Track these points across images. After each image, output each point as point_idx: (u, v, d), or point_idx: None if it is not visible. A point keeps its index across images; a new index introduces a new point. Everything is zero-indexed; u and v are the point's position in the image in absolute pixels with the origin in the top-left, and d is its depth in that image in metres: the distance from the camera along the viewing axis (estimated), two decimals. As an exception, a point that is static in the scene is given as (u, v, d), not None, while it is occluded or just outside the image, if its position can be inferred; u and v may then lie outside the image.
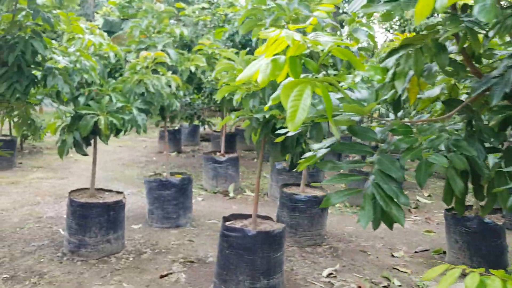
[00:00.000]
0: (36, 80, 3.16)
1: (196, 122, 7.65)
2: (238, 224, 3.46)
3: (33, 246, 4.07)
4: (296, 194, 4.29)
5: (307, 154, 2.07)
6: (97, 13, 14.34)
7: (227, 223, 3.42)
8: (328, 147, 2.04)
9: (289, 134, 2.14)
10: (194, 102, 7.28)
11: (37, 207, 5.29)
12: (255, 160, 8.58)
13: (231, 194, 6.01)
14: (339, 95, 1.97)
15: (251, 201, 5.90)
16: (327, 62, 2.58)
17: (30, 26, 3.05)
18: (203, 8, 7.03)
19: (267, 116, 2.99)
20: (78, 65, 3.35)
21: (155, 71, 4.33)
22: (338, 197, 1.84)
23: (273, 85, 3.27)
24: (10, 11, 2.87)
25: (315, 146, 2.13)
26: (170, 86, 4.27)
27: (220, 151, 6.52)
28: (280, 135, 3.18)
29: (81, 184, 6.35)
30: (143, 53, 4.19)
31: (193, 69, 4.79)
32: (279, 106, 3.18)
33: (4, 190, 5.92)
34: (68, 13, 3.14)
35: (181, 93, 4.70)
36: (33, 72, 3.19)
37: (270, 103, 1.92)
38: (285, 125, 2.24)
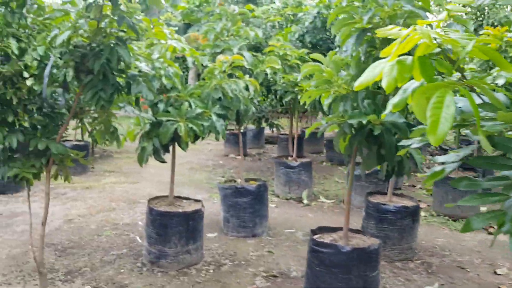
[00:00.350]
0: (119, 88, 3.07)
1: (264, 125, 7.48)
2: (327, 238, 3.21)
3: (112, 255, 4.04)
4: (384, 204, 3.97)
5: (435, 169, 1.79)
6: (160, 19, 14.60)
7: (316, 237, 3.19)
8: (460, 160, 1.76)
9: (411, 144, 1.87)
10: (262, 105, 7.11)
11: (112, 213, 5.30)
12: (324, 163, 8.28)
13: (305, 201, 5.76)
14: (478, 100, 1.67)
15: (327, 208, 5.63)
16: (464, 62, 2.27)
17: (114, 33, 2.97)
18: (271, 9, 6.85)
19: (364, 121, 2.71)
20: (162, 72, 3.25)
21: (230, 75, 4.18)
22: (481, 221, 1.56)
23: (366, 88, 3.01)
24: (96, 18, 2.79)
25: (441, 158, 1.85)
26: (247, 90, 4.10)
27: (291, 155, 6.30)
28: (377, 142, 2.92)
29: (152, 189, 6.36)
30: (221, 57, 4.05)
31: (268, 71, 4.60)
32: (375, 110, 2.91)
33: (79, 195, 6.01)
34: (152, 18, 3.04)
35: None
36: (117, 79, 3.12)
37: (389, 109, 1.66)
38: (412, 135, 1.97)
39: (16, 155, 3.23)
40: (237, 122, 4.69)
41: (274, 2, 9.06)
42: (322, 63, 3.15)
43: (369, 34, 2.84)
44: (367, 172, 5.27)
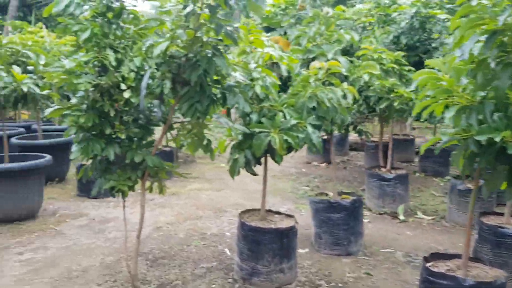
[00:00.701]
0: (215, 99, 2.94)
1: (351, 132, 7.09)
2: (442, 266, 2.84)
3: (202, 268, 3.93)
4: (503, 227, 3.50)
5: None
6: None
7: (429, 265, 2.83)
8: None
9: None
10: (350, 111, 6.74)
11: (199, 221, 5.24)
12: (417, 174, 7.72)
13: (401, 217, 5.32)
14: None
15: (426, 225, 5.16)
16: None
17: (210, 42, 2.83)
18: (363, 10, 6.48)
19: (497, 139, 2.32)
20: (260, 82, 3.07)
21: (324, 83, 3.91)
22: None
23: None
24: (195, 27, 2.67)
25: None
26: (345, 98, 3.81)
27: (383, 166, 5.90)
28: (508, 162, 2.51)
29: (238, 198, 6.26)
30: (316, 64, 3.80)
31: (366, 77, 4.28)
32: (507, 125, 2.51)
33: (166, 202, 6.03)
34: (249, 26, 2.88)
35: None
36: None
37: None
38: None
39: (112, 167, 3.22)
40: (330, 132, 4.42)
41: (354, 4, 8.63)
42: (438, 70, 2.80)
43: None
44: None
